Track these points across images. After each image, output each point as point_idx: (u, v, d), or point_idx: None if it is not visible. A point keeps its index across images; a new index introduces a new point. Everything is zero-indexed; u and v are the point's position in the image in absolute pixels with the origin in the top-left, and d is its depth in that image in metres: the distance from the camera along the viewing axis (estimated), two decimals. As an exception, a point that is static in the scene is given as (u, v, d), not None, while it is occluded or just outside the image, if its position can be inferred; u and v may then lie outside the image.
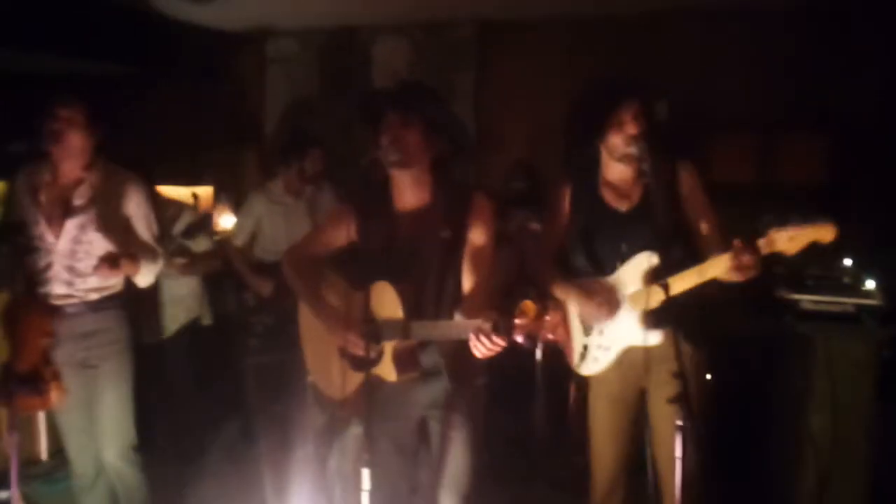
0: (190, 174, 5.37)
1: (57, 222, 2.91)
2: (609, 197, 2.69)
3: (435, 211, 2.42)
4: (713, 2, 4.49)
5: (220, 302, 4.75)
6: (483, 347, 2.08)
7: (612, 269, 2.65)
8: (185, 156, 5.49)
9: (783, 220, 2.30)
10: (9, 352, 2.75)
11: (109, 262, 2.83)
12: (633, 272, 2.59)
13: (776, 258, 2.34)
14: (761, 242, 2.32)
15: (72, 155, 2.91)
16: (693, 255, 2.55)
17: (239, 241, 4.28)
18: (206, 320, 4.17)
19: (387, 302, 2.36)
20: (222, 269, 4.57)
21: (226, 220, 5.06)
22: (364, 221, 2.51)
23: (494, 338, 2.04)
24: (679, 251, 2.55)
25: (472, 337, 2.09)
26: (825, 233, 2.26)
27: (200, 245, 4.00)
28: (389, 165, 2.38)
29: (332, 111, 5.29)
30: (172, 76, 5.25)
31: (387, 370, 2.38)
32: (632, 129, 2.54)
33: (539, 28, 5.05)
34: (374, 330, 2.34)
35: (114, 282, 3.01)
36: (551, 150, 4.88)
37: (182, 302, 4.00)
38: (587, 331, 2.73)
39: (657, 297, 2.43)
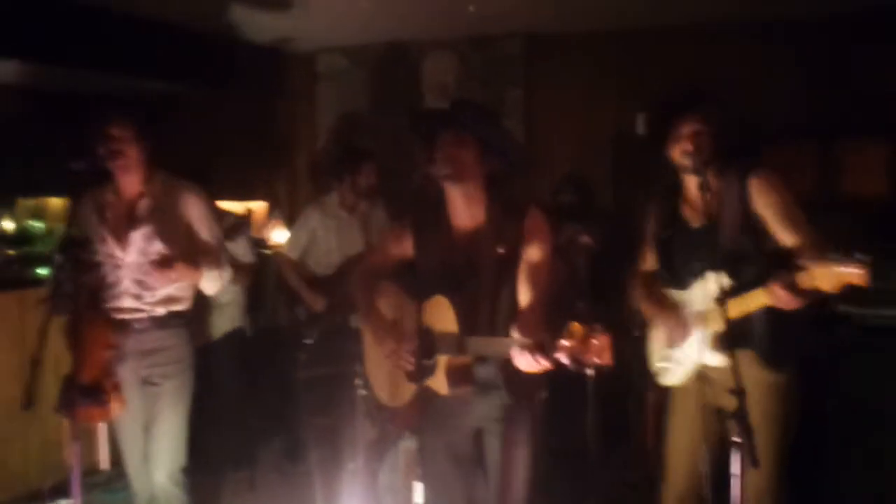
0: (244, 189, 5.48)
1: (123, 236, 2.99)
2: (687, 213, 2.67)
3: (490, 227, 2.42)
4: (767, 12, 4.40)
5: (265, 313, 4.75)
6: (525, 364, 2.07)
7: (687, 286, 2.63)
8: (238, 171, 5.59)
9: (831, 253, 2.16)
10: (72, 364, 2.81)
11: (162, 263, 2.89)
12: (702, 291, 2.55)
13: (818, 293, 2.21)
14: (802, 277, 2.21)
15: (130, 170, 2.99)
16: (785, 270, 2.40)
17: (293, 255, 4.31)
18: (249, 330, 4.17)
19: (443, 316, 2.37)
20: (274, 282, 4.60)
21: (278, 235, 5.13)
22: (420, 237, 2.53)
23: (538, 357, 2.03)
24: (750, 271, 2.45)
25: (515, 352, 2.08)
26: (857, 277, 2.09)
27: (244, 255, 4.00)
28: (442, 179, 2.40)
29: (382, 126, 5.33)
30: (226, 93, 5.37)
31: (439, 383, 2.39)
32: (688, 143, 2.51)
33: (587, 42, 5.02)
34: (426, 344, 2.35)
35: (182, 294, 3.05)
36: (600, 163, 4.89)
37: (226, 309, 4.00)
38: (668, 343, 2.71)
39: (721, 318, 2.33)
